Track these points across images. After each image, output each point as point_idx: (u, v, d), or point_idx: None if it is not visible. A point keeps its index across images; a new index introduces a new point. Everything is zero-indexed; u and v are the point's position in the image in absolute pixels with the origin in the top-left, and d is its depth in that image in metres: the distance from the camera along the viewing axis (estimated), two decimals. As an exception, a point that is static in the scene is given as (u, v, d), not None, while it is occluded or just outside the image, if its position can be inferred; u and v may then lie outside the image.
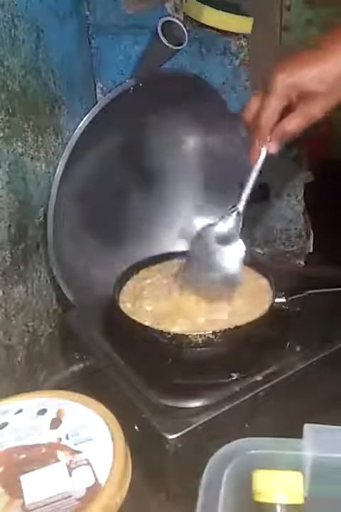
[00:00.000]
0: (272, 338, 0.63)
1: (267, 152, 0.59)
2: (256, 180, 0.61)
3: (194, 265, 0.66)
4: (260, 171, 0.60)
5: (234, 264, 0.63)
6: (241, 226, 0.63)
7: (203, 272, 0.64)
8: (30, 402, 0.55)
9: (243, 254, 0.63)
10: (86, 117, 0.68)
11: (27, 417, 0.53)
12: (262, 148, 0.59)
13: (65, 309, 0.79)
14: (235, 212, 0.63)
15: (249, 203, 0.63)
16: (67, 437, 0.50)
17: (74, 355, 0.67)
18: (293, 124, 0.56)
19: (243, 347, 0.59)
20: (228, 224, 0.63)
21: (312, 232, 1.18)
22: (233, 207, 0.63)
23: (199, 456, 0.43)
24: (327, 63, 0.53)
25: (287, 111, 0.57)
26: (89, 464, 0.47)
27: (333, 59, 0.53)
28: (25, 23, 0.67)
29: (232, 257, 0.63)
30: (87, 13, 0.88)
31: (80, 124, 0.68)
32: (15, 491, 0.44)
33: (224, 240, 0.64)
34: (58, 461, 0.47)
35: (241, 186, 0.62)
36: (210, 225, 0.65)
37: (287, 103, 0.56)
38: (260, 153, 0.59)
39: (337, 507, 0.41)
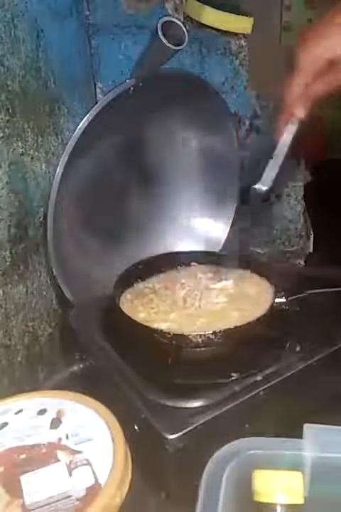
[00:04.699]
0: (272, 338, 0.63)
1: (295, 127, 0.60)
2: (285, 156, 0.61)
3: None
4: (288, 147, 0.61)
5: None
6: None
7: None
8: (30, 402, 0.55)
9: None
10: (86, 117, 0.68)
11: (27, 417, 0.53)
12: (288, 124, 0.60)
13: (64, 309, 0.79)
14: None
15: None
16: (67, 437, 0.50)
17: (74, 355, 0.67)
18: (318, 86, 0.57)
19: (243, 347, 0.59)
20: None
21: (312, 232, 1.18)
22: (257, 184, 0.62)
23: (199, 456, 0.42)
24: None
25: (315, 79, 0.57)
26: (89, 463, 0.47)
27: None
28: (25, 23, 0.67)
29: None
30: (87, 13, 0.88)
31: (80, 124, 0.68)
32: (15, 491, 0.44)
33: None
34: (58, 461, 0.47)
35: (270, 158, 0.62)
36: None
37: (312, 75, 0.56)
38: (285, 128, 0.60)
39: (337, 507, 0.41)
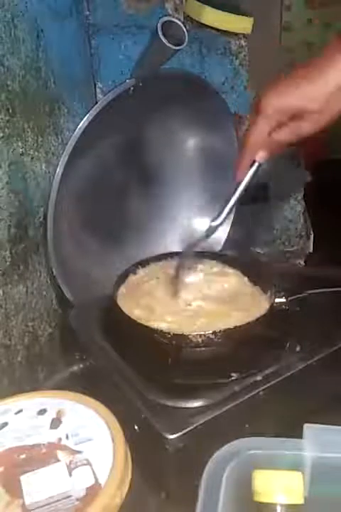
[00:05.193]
0: (272, 338, 0.63)
1: (255, 171, 0.60)
2: (239, 197, 0.63)
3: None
4: (245, 189, 0.62)
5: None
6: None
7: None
8: (30, 402, 0.55)
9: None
10: (86, 117, 0.68)
11: (27, 417, 0.53)
12: (249, 168, 0.60)
13: (64, 309, 0.79)
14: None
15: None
16: (67, 437, 0.50)
17: (74, 355, 0.67)
18: (281, 135, 0.57)
19: (243, 347, 0.59)
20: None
21: (312, 232, 1.18)
22: (213, 220, 0.65)
23: (199, 456, 0.42)
24: (317, 83, 0.54)
25: (279, 127, 0.58)
26: (89, 463, 0.47)
27: (322, 78, 0.53)
28: (25, 23, 0.67)
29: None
30: (87, 13, 0.88)
31: (80, 124, 0.69)
32: (15, 491, 0.44)
33: None
34: (58, 461, 0.47)
35: (225, 201, 0.63)
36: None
37: (276, 124, 0.57)
38: (245, 172, 0.61)
39: (337, 507, 0.41)
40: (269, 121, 0.56)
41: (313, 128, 0.56)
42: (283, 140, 0.58)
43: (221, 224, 0.64)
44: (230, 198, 0.63)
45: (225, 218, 0.64)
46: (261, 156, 0.59)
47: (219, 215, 0.64)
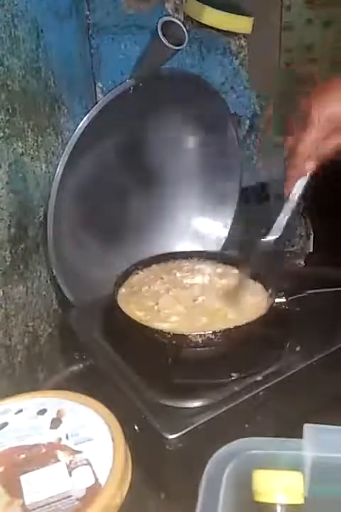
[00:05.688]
0: (272, 338, 0.63)
1: (305, 181, 0.60)
2: (293, 211, 0.61)
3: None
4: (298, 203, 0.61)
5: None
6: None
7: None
8: (30, 402, 0.55)
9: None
10: (86, 117, 0.69)
11: (27, 417, 0.53)
12: (299, 179, 0.60)
13: (65, 309, 0.79)
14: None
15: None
16: (67, 437, 0.50)
17: (74, 355, 0.67)
18: (330, 145, 0.58)
19: (243, 347, 0.59)
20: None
21: (312, 232, 1.18)
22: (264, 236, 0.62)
23: (199, 456, 0.42)
24: None
25: (328, 137, 0.57)
26: (89, 463, 0.47)
27: None
28: (25, 23, 0.67)
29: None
30: (87, 13, 0.88)
31: (80, 124, 0.69)
32: (15, 491, 0.44)
33: None
34: (58, 461, 0.47)
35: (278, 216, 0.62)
36: None
37: (326, 133, 0.56)
38: (295, 183, 0.60)
39: (337, 507, 0.41)
40: (318, 131, 0.56)
41: None
42: (334, 148, 0.58)
43: (276, 239, 0.63)
44: (282, 213, 0.62)
45: (283, 228, 0.62)
46: (310, 166, 0.59)
47: (271, 231, 0.62)
